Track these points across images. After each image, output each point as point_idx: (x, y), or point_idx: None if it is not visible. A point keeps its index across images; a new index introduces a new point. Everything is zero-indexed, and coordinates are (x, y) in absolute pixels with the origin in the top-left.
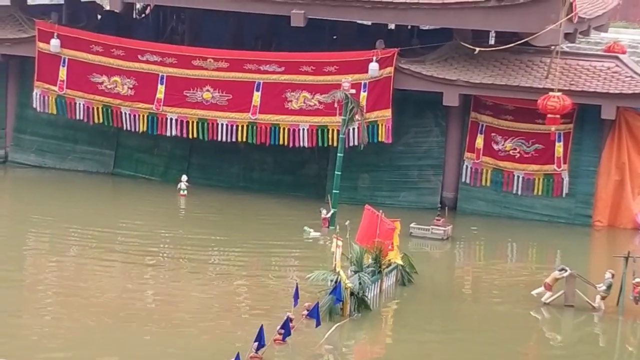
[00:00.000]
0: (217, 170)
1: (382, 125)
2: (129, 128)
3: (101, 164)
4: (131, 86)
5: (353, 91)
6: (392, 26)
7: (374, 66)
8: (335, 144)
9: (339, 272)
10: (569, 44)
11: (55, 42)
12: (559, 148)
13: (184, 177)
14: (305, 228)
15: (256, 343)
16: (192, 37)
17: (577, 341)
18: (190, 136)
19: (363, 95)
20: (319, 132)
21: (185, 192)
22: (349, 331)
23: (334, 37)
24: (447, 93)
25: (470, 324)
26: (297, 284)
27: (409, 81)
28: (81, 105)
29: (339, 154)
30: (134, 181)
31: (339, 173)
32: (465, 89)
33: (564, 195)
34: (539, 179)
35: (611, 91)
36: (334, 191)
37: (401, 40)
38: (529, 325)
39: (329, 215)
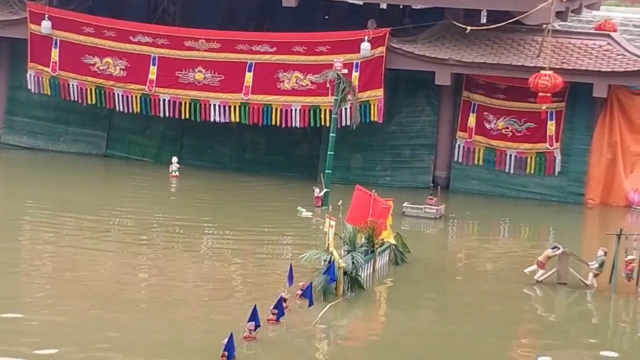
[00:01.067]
0: (209, 151)
1: (374, 105)
2: (121, 109)
3: (93, 145)
4: (123, 67)
5: (345, 71)
6: (383, 6)
7: (365, 46)
8: (327, 124)
9: (332, 251)
10: (561, 22)
11: (46, 24)
12: (551, 126)
13: (175, 159)
14: (299, 208)
15: (250, 323)
16: (183, 18)
17: (569, 318)
18: (183, 117)
19: (355, 75)
20: (311, 112)
21: (177, 173)
22: (342, 310)
23: (326, 17)
24: (439, 72)
25: (463, 302)
26: (291, 264)
27: (400, 61)
28: (74, 87)
29: (331, 134)
30: (127, 163)
31: (332, 153)
32: (457, 68)
33: (556, 173)
34: (531, 158)
35: (603, 69)
36: (326, 171)
37: (393, 19)
38: (522, 303)
39: (321, 194)
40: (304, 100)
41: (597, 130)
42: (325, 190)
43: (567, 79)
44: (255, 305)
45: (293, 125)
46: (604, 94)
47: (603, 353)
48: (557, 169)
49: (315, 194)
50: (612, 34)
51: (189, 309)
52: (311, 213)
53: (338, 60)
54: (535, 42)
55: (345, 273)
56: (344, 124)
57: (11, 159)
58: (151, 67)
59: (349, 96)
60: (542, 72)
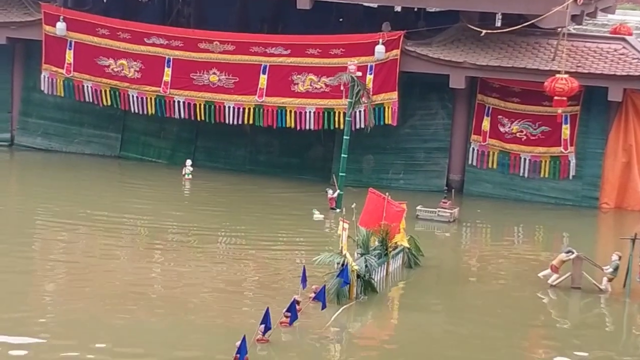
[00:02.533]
0: (223, 153)
1: (388, 107)
2: (136, 111)
3: (107, 147)
4: (138, 69)
5: (359, 74)
6: (398, 8)
7: (380, 49)
8: (341, 127)
9: (345, 254)
10: (576, 26)
11: (61, 25)
12: (565, 130)
13: (189, 162)
14: (314, 210)
15: (262, 326)
16: (198, 20)
17: (583, 323)
18: (198, 119)
19: (369, 77)
20: (325, 114)
21: (190, 176)
22: (355, 313)
23: (340, 19)
24: (454, 75)
25: (477, 306)
26: (304, 266)
27: (415, 63)
28: (89, 88)
29: (345, 137)
30: (141, 164)
31: (345, 156)
32: (471, 71)
33: (571, 177)
34: (545, 162)
35: (618, 73)
36: (340, 174)
37: (407, 22)
38: (536, 307)
39: (335, 195)
40: (318, 102)
41: (612, 134)
42: (338, 192)
43: (582, 83)
44: (267, 308)
45: (307, 127)
46: (619, 98)
47: (617, 357)
48: (572, 172)
49: (329, 195)
50: (628, 37)
51: (203, 311)
52: (322, 216)
53: (352, 63)
54: (550, 45)
55: (358, 276)
56: (357, 126)
57: (25, 160)
58: (166, 68)
59: (363, 99)
60: (558, 75)
